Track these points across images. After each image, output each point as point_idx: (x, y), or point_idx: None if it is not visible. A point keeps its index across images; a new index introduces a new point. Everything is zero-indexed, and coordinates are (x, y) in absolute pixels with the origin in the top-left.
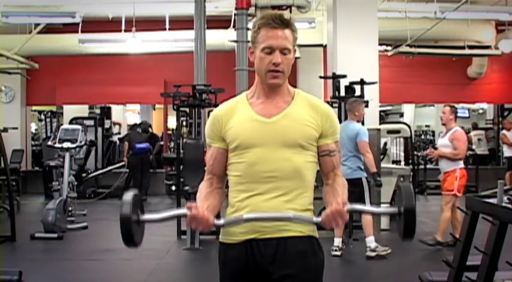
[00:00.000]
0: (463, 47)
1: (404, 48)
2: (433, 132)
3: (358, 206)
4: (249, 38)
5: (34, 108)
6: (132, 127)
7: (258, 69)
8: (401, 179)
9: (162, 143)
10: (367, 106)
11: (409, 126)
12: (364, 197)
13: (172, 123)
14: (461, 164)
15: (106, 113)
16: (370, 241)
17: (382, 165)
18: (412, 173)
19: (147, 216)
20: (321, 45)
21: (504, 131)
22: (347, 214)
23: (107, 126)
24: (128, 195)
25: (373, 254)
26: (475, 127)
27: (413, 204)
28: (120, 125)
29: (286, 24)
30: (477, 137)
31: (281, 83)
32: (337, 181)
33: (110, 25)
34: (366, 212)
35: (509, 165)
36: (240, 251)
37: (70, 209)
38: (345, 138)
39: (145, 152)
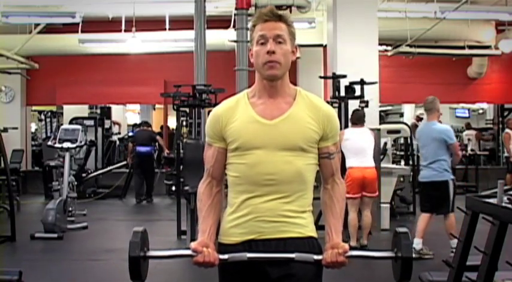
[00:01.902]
0: (463, 47)
1: (404, 48)
2: None
3: (356, 253)
4: (249, 39)
5: (34, 108)
6: (138, 126)
7: (256, 64)
8: (402, 179)
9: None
10: (367, 106)
11: (409, 126)
12: (448, 200)
13: (172, 123)
14: (349, 164)
15: (106, 113)
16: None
17: (382, 165)
18: (412, 173)
19: (153, 253)
20: (321, 45)
21: (508, 130)
22: (347, 261)
23: (107, 126)
24: (137, 234)
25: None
26: (468, 127)
27: (411, 253)
28: (120, 124)
29: (278, 17)
30: (467, 137)
31: (278, 74)
32: (336, 191)
33: (110, 25)
34: (363, 257)
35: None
36: (239, 251)
37: (70, 209)
38: (427, 140)
39: (147, 154)
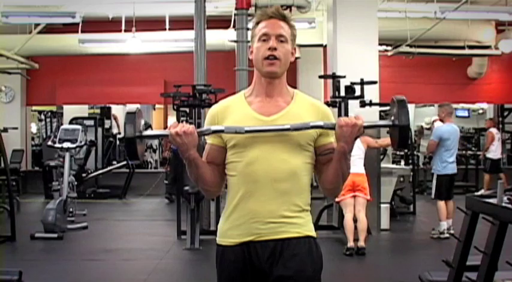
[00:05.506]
0: (463, 47)
1: (404, 48)
2: None
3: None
4: (249, 38)
5: (34, 108)
6: None
7: (255, 60)
8: (402, 179)
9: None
10: (369, 105)
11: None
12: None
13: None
14: None
15: (106, 113)
16: (441, 225)
17: (382, 165)
18: (412, 173)
19: (148, 133)
20: (321, 45)
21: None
22: (362, 121)
23: (107, 126)
24: (131, 116)
25: (435, 236)
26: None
27: (408, 121)
28: (117, 120)
29: (283, 16)
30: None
31: (278, 71)
32: None
33: (110, 25)
34: (367, 127)
35: (491, 167)
36: (237, 253)
37: (70, 209)
38: (456, 139)
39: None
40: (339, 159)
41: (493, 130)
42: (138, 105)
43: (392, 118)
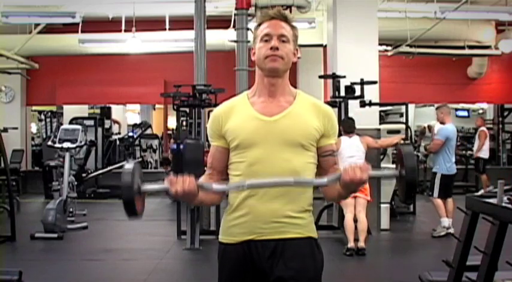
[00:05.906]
0: (463, 47)
1: (404, 48)
2: None
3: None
4: (250, 39)
5: (34, 108)
6: None
7: (257, 60)
8: None
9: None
10: (368, 105)
11: (409, 126)
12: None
13: (172, 123)
14: None
15: (106, 113)
16: (444, 221)
17: (382, 165)
18: None
19: (147, 187)
20: (321, 45)
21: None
22: (368, 170)
23: (107, 126)
24: (128, 174)
25: (443, 233)
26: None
27: (415, 167)
28: (119, 123)
29: (285, 17)
30: None
31: (280, 68)
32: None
33: (110, 25)
34: (371, 176)
35: (485, 167)
36: (238, 251)
37: (70, 209)
38: (455, 139)
39: None
40: (342, 197)
41: (485, 128)
42: (135, 163)
43: (399, 168)
